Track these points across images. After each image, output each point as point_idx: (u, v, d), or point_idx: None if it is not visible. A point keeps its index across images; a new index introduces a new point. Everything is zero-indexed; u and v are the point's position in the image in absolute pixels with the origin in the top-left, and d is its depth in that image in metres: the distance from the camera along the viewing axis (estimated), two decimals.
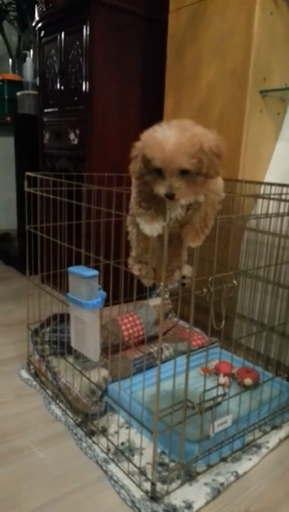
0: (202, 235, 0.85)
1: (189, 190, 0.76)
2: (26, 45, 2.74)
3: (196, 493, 0.90)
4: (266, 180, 1.48)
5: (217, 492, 0.91)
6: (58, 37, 1.93)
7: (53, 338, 1.31)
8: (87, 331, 1.00)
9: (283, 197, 1.23)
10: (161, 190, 0.76)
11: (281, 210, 1.21)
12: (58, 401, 1.20)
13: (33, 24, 2.14)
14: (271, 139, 1.50)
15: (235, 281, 0.88)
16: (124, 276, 0.95)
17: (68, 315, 1.07)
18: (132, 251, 0.97)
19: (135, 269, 0.95)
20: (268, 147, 1.50)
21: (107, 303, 1.01)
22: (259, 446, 1.05)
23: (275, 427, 1.13)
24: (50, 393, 1.24)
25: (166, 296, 1.58)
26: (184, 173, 0.75)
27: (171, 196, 0.75)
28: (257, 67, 1.36)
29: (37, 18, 2.09)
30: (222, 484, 0.93)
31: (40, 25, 2.07)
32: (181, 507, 0.86)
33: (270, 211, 1.27)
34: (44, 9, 2.03)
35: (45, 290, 1.24)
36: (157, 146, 0.73)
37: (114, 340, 1.33)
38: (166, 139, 0.72)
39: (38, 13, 2.09)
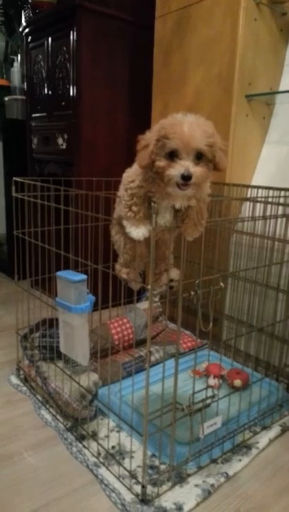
0: (200, 228, 0.86)
1: (202, 177, 0.76)
2: (14, 50, 2.74)
3: (186, 494, 0.90)
4: (253, 183, 1.50)
5: (208, 493, 0.91)
6: (45, 42, 1.93)
7: (42, 343, 1.31)
8: (75, 336, 1.00)
9: (270, 200, 1.25)
10: (175, 172, 0.75)
11: (268, 213, 1.23)
12: (48, 406, 1.20)
13: (20, 29, 2.14)
14: (257, 143, 1.52)
15: (222, 284, 0.89)
16: (113, 280, 0.95)
17: (58, 320, 1.07)
18: (119, 257, 0.98)
19: (123, 273, 0.96)
20: (254, 151, 1.51)
21: (96, 307, 1.01)
22: (249, 447, 1.06)
23: (264, 428, 1.14)
24: (40, 398, 1.24)
25: (156, 299, 1.59)
26: (198, 158, 0.76)
27: (187, 178, 0.74)
28: (242, 72, 1.38)
29: (24, 23, 2.09)
30: (212, 485, 0.93)
31: (27, 30, 2.07)
32: (172, 509, 0.86)
33: (257, 214, 1.28)
34: (31, 14, 2.04)
35: (34, 295, 1.24)
36: (177, 126, 0.74)
37: (104, 344, 1.33)
38: (186, 119, 0.75)
39: (25, 18, 2.09)
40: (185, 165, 0.74)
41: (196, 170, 0.75)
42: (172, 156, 0.75)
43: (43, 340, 1.31)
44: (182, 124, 0.74)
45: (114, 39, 1.80)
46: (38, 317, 1.29)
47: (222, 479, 0.96)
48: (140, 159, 0.79)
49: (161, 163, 0.76)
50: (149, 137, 0.79)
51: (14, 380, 1.35)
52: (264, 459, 1.04)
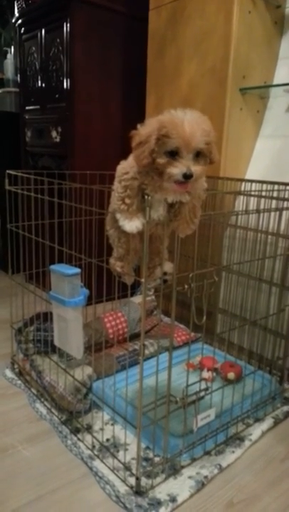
0: (192, 226, 0.86)
1: (201, 175, 0.77)
2: (7, 41, 2.72)
3: (180, 486, 0.91)
4: (247, 177, 1.50)
5: (201, 485, 0.92)
6: (39, 34, 1.91)
7: (37, 336, 1.31)
8: (69, 329, 1.01)
9: (263, 193, 1.25)
10: (177, 171, 0.75)
11: (261, 207, 1.23)
12: (42, 399, 1.20)
13: (13, 21, 2.12)
14: (251, 137, 1.52)
15: (215, 277, 0.89)
16: (108, 274, 0.95)
17: (52, 313, 1.07)
18: (113, 251, 0.98)
19: (118, 266, 0.96)
20: (248, 145, 1.51)
21: (90, 301, 1.01)
22: (242, 439, 1.07)
23: (257, 420, 1.15)
24: (34, 392, 1.24)
25: (150, 293, 1.59)
26: (197, 156, 0.76)
27: (189, 176, 0.75)
28: (236, 65, 1.38)
29: (17, 14, 2.07)
30: (206, 477, 0.94)
31: (20, 21, 2.05)
32: (166, 500, 0.87)
33: (250, 207, 1.28)
34: (24, 5, 2.02)
35: (28, 289, 1.23)
36: (178, 125, 0.74)
37: (99, 338, 1.33)
38: (186, 118, 0.75)
39: (18, 9, 2.07)
40: (187, 164, 0.75)
41: (197, 168, 0.76)
42: (173, 154, 0.76)
43: (38, 334, 1.31)
44: (183, 124, 0.74)
45: (107, 31, 1.78)
46: (32, 311, 1.28)
47: (215, 471, 0.97)
48: (140, 158, 0.78)
49: (161, 160, 0.76)
50: (144, 134, 0.77)
51: (9, 373, 1.35)
52: (257, 451, 1.05)
